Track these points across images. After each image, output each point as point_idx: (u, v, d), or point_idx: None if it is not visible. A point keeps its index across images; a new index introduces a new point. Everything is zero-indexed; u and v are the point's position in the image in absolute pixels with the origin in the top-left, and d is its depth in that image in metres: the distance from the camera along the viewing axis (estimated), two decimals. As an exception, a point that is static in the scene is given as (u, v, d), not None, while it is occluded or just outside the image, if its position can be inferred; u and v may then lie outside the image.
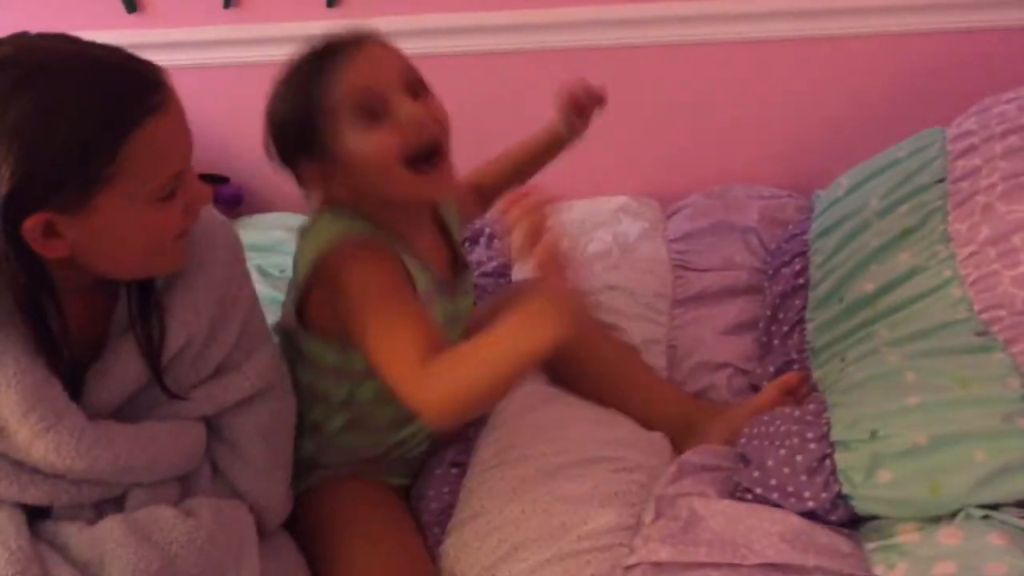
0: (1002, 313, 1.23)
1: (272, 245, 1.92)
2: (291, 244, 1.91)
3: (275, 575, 1.20)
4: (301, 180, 1.27)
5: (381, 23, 2.01)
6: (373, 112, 1.18)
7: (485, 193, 1.52)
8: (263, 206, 2.16)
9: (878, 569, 1.08)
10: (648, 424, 1.42)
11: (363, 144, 1.19)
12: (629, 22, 1.97)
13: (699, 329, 1.60)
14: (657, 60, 2.00)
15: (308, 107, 1.20)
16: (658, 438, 1.39)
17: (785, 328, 1.55)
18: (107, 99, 0.97)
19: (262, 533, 1.23)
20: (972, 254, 1.33)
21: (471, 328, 1.29)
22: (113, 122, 0.97)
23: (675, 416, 1.43)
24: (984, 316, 1.25)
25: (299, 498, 1.32)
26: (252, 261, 1.40)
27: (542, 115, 1.48)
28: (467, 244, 1.89)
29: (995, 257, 1.31)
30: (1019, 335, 1.20)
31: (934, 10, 1.90)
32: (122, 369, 1.12)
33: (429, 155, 1.20)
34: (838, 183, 1.70)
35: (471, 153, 1.41)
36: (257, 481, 1.23)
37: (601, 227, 1.91)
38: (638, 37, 1.99)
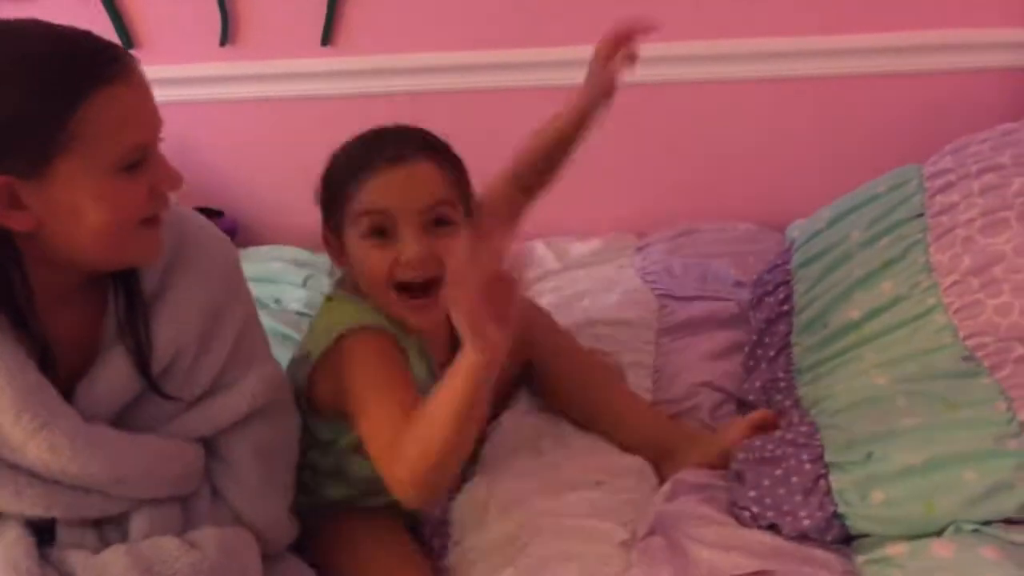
0: (987, 340, 1.29)
1: (267, 276, 1.96)
2: (286, 274, 1.96)
3: None
4: (327, 244, 1.35)
5: (373, 61, 2.12)
6: (382, 231, 1.25)
7: (523, 180, 1.52)
8: (257, 239, 2.20)
9: (873, 582, 1.13)
10: (627, 447, 1.46)
11: (363, 255, 1.27)
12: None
13: (684, 355, 1.66)
14: (636, 99, 2.07)
15: (337, 194, 1.29)
16: (640, 463, 1.43)
17: (771, 352, 1.60)
18: (60, 64, 1.00)
19: (266, 557, 1.24)
20: (955, 283, 1.39)
21: None
22: (66, 87, 1.00)
23: (653, 440, 1.47)
24: (969, 342, 1.31)
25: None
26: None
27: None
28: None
29: (978, 287, 1.37)
30: (1004, 360, 1.25)
31: (908, 53, 1.99)
32: (113, 377, 1.13)
33: (424, 286, 1.26)
34: (819, 216, 1.76)
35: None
36: (252, 502, 1.24)
37: (583, 263, 2.00)
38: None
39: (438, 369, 1.33)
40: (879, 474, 1.20)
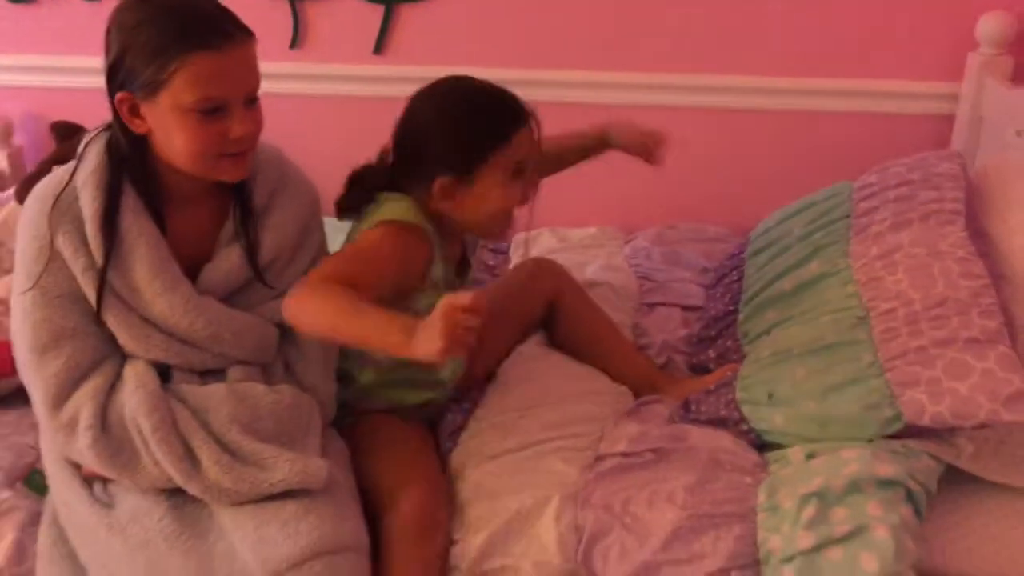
0: (878, 302, 1.69)
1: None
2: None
3: (331, 454, 1.56)
4: (416, 176, 1.60)
5: (419, 71, 2.49)
6: (519, 173, 1.59)
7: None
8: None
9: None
10: (619, 381, 1.86)
11: (502, 193, 1.58)
12: (613, 86, 2.46)
13: (658, 321, 2.05)
14: (634, 118, 2.47)
15: (483, 145, 1.56)
16: (624, 390, 1.84)
17: (724, 324, 1.99)
18: (172, 27, 1.35)
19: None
20: (864, 264, 1.78)
21: None
22: (170, 44, 1.34)
23: (641, 378, 1.87)
24: (867, 303, 1.70)
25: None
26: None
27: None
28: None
29: (880, 268, 1.76)
30: (886, 317, 1.65)
31: (858, 97, 2.40)
32: (229, 266, 1.51)
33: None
34: (772, 216, 2.17)
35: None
36: (317, 375, 1.59)
37: (582, 244, 2.41)
38: (614, 98, 2.47)
39: (449, 276, 1.68)
40: (779, 404, 1.62)
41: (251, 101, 1.44)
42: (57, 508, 1.51)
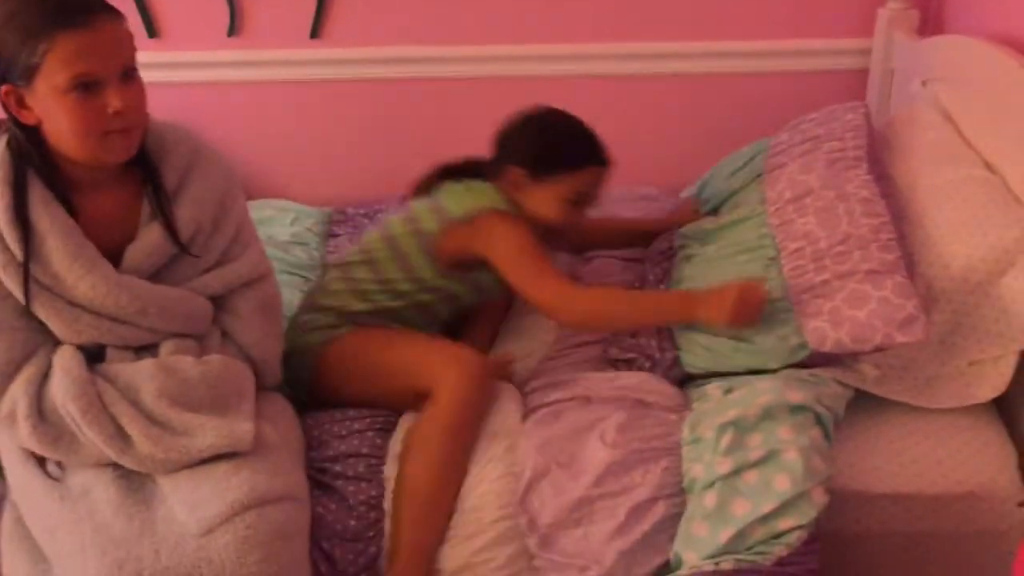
0: (789, 243, 1.80)
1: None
2: (284, 226, 2.40)
3: (270, 415, 1.63)
4: (501, 163, 1.86)
5: (356, 54, 2.57)
6: (576, 202, 1.85)
7: (583, 240, 2.12)
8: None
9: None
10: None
11: (555, 208, 1.83)
12: (540, 58, 2.55)
13: (599, 269, 2.13)
14: (563, 90, 2.52)
15: (561, 160, 1.83)
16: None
17: (664, 262, 2.07)
18: (38, 12, 1.39)
19: (262, 386, 1.66)
20: (777, 210, 1.89)
21: None
22: (38, 29, 1.39)
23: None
24: (780, 243, 1.81)
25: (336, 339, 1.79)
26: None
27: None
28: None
29: (792, 211, 1.87)
30: (794, 256, 1.76)
31: (776, 56, 2.51)
32: (151, 243, 1.56)
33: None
34: (709, 173, 2.28)
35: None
36: (259, 341, 1.66)
37: None
38: (551, 70, 2.56)
39: None
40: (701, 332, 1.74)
41: (127, 76, 1.47)
42: (12, 487, 1.57)
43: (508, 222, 1.79)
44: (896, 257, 1.66)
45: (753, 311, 1.65)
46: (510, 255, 1.77)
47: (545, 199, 1.83)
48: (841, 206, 1.78)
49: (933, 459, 1.62)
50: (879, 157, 1.96)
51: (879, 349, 1.60)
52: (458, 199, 1.84)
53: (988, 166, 1.85)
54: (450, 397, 1.64)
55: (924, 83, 2.20)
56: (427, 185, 1.94)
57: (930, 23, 2.39)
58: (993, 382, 1.65)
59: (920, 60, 2.24)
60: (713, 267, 1.86)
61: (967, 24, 2.19)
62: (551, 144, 1.85)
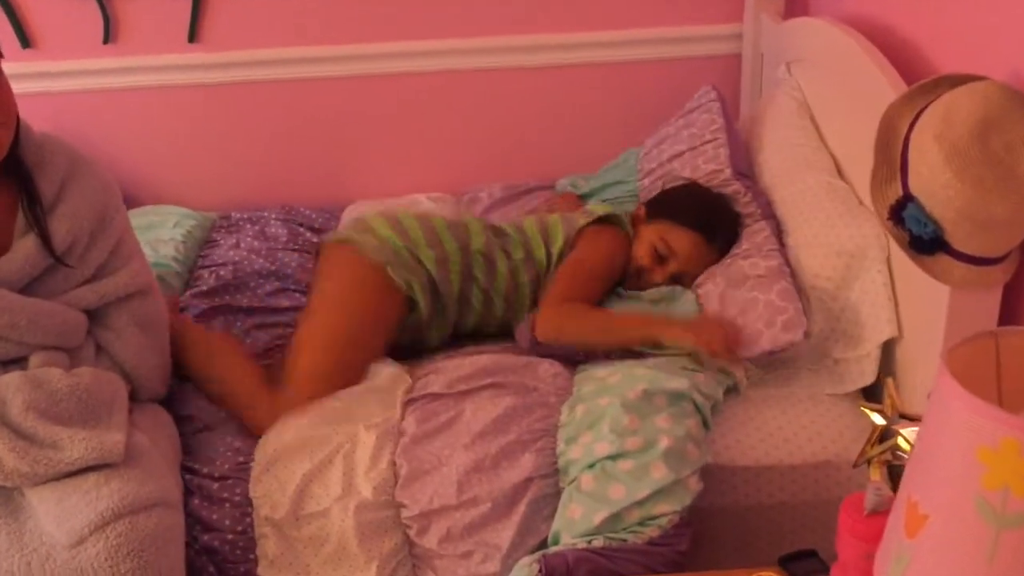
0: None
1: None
2: (162, 229, 2.39)
3: (146, 428, 1.62)
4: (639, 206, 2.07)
5: (235, 56, 2.55)
6: (661, 256, 1.98)
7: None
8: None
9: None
10: None
11: (643, 252, 1.97)
12: (407, 55, 2.55)
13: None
14: (435, 86, 2.58)
15: (672, 213, 1.98)
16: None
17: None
18: None
19: (137, 399, 1.67)
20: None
21: None
22: None
23: None
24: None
25: None
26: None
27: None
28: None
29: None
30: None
31: (649, 44, 2.55)
32: (25, 255, 1.55)
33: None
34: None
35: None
36: (134, 354, 1.66)
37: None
38: (410, 67, 2.56)
39: None
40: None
41: None
42: None
43: (612, 237, 1.98)
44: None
45: (722, 339, 1.71)
46: (580, 258, 1.94)
47: (641, 237, 1.98)
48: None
49: (792, 430, 1.68)
50: (743, 151, 2.13)
51: (771, 353, 1.71)
52: (605, 209, 2.07)
53: (838, 169, 1.95)
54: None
55: (788, 66, 2.27)
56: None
57: (797, 5, 2.46)
58: (855, 379, 1.75)
59: (782, 43, 2.30)
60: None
61: (829, 5, 2.25)
62: (677, 196, 2.02)
